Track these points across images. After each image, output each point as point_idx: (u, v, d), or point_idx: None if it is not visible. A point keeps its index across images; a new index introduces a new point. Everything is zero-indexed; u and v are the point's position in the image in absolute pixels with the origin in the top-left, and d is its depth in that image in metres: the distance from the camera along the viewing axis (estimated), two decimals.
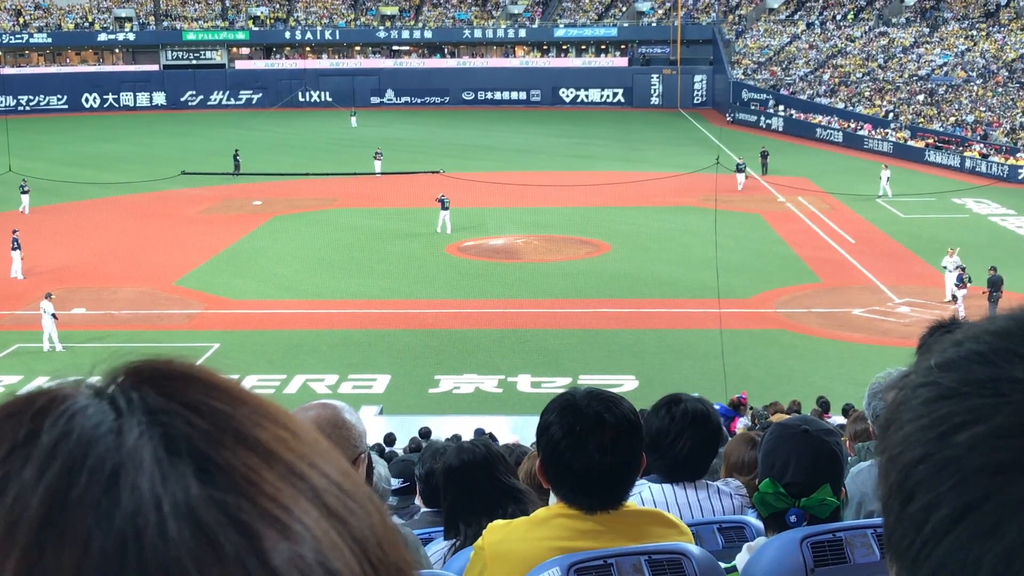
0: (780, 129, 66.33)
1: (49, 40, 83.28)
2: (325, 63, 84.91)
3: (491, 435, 14.56)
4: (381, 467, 4.46)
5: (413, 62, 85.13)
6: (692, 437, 4.17)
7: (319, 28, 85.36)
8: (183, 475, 0.56)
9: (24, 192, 41.08)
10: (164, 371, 0.63)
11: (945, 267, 28.07)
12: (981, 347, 0.70)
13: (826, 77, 71.45)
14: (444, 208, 36.73)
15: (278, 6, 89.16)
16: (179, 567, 0.53)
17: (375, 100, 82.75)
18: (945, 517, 0.64)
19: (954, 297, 26.91)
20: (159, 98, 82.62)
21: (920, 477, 0.67)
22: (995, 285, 26.35)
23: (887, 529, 0.71)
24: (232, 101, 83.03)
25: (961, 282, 26.67)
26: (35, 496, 0.54)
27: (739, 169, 45.50)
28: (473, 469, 4.33)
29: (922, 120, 59.64)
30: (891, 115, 61.67)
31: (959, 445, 0.65)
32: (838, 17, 79.54)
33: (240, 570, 0.53)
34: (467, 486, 4.31)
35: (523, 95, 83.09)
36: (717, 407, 11.45)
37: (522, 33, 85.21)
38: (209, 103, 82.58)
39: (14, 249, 31.08)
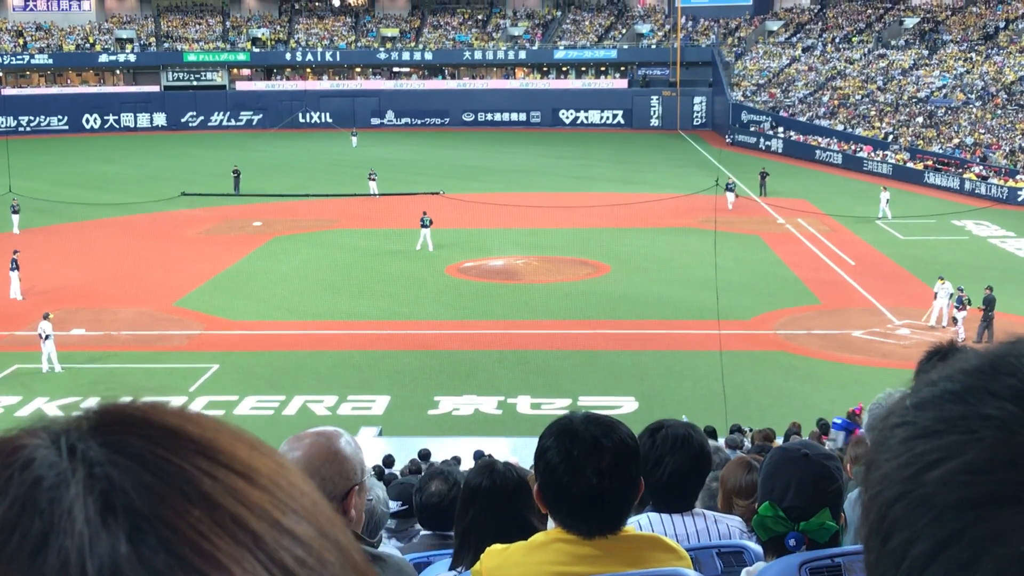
0: (779, 151, 66.49)
1: (50, 61, 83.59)
2: (325, 84, 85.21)
3: (507, 464, 14.40)
4: (379, 490, 4.39)
5: (413, 83, 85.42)
6: (672, 461, 4.13)
7: (320, 49, 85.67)
8: (115, 535, 0.54)
9: (14, 212, 41.06)
10: (122, 416, 0.61)
11: (937, 293, 28.02)
12: (955, 386, 0.71)
13: (825, 99, 71.67)
14: (424, 226, 36.91)
15: (279, 28, 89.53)
16: None
17: (375, 121, 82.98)
18: (922, 553, 0.65)
19: (954, 320, 26.91)
20: (160, 119, 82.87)
21: (897, 515, 0.68)
22: (990, 304, 26.43)
23: (868, 567, 0.71)
24: (232, 122, 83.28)
25: (961, 304, 26.68)
26: None
27: (728, 188, 45.80)
28: (500, 495, 4.09)
29: (921, 142, 59.77)
30: (890, 137, 61.82)
31: (933, 482, 0.66)
32: (837, 39, 79.85)
33: None
34: (489, 511, 4.06)
35: (523, 116, 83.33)
36: (837, 421, 11.27)
37: (522, 55, 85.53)
38: (210, 124, 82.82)
39: (13, 270, 31.10)
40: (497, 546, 3.06)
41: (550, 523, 3.04)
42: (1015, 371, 0.70)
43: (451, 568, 4.20)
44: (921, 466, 0.68)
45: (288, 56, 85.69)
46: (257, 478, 0.61)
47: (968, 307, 26.56)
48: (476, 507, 4.12)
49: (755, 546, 3.74)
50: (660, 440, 4.18)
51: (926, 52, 73.57)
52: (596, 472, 2.83)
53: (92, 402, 0.65)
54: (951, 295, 27.46)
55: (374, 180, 49.82)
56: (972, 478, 0.65)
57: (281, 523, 0.59)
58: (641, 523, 4.02)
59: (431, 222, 37.25)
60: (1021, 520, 0.62)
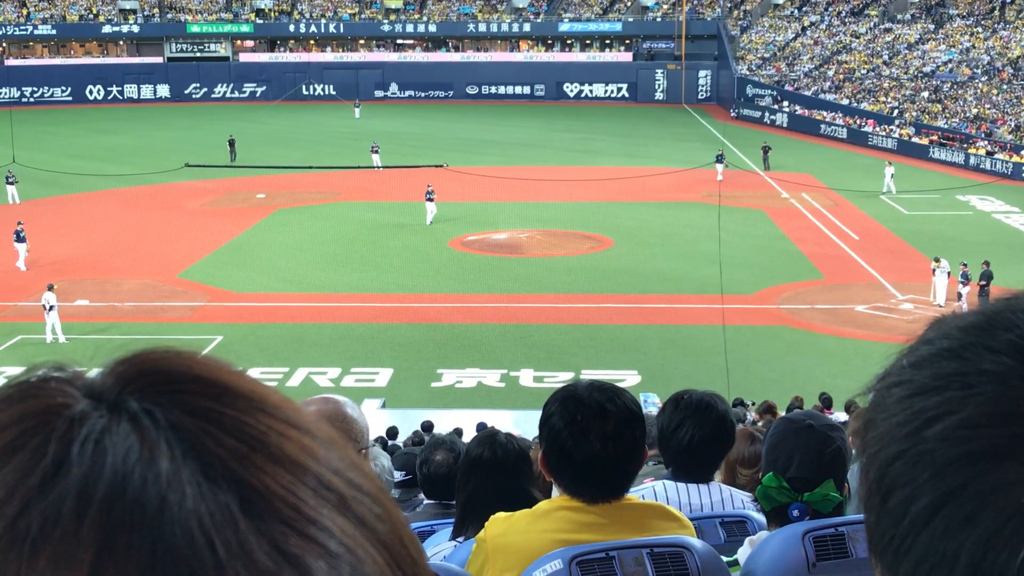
0: (784, 125, 66.27)
1: (53, 32, 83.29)
2: (329, 56, 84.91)
3: (508, 435, 14.43)
4: (384, 459, 4.39)
5: (417, 56, 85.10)
6: (693, 427, 4.12)
7: (323, 21, 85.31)
8: (227, 507, 0.53)
9: (9, 183, 41.00)
10: (176, 375, 0.59)
11: (934, 270, 27.95)
12: (951, 343, 0.71)
13: (831, 73, 71.36)
14: (430, 199, 36.92)
15: None
16: None
17: (379, 94, 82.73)
18: (923, 509, 0.66)
19: (958, 295, 26.87)
20: (163, 90, 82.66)
21: (897, 472, 0.69)
22: (987, 279, 26.48)
23: (869, 528, 0.72)
24: (236, 94, 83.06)
25: (966, 279, 26.66)
26: (82, 547, 0.51)
27: (719, 160, 45.91)
28: (502, 465, 4.10)
29: (927, 117, 59.55)
30: (896, 112, 61.59)
31: (932, 438, 0.67)
32: (843, 13, 79.41)
33: None
34: (490, 481, 4.08)
35: (527, 90, 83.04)
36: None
37: (526, 27, 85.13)
38: (213, 96, 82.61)
39: (19, 241, 31.12)
40: (501, 514, 3.08)
41: (554, 491, 3.05)
42: (1012, 326, 0.70)
43: (452, 538, 4.21)
44: (920, 423, 0.68)
45: (292, 28, 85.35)
46: (316, 432, 0.60)
47: (970, 282, 26.55)
48: (477, 478, 4.13)
49: (759, 516, 3.75)
50: (683, 406, 4.17)
51: (932, 26, 73.17)
52: (600, 437, 2.84)
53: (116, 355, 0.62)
54: (948, 272, 27.41)
55: (377, 153, 49.77)
56: (971, 432, 0.65)
57: (353, 480, 0.59)
58: (656, 490, 4.02)
59: (434, 196, 37.22)
60: (1020, 474, 0.62)
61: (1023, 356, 0.67)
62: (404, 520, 0.61)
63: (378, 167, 49.10)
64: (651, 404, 12.28)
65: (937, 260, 27.96)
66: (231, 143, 52.86)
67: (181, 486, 0.53)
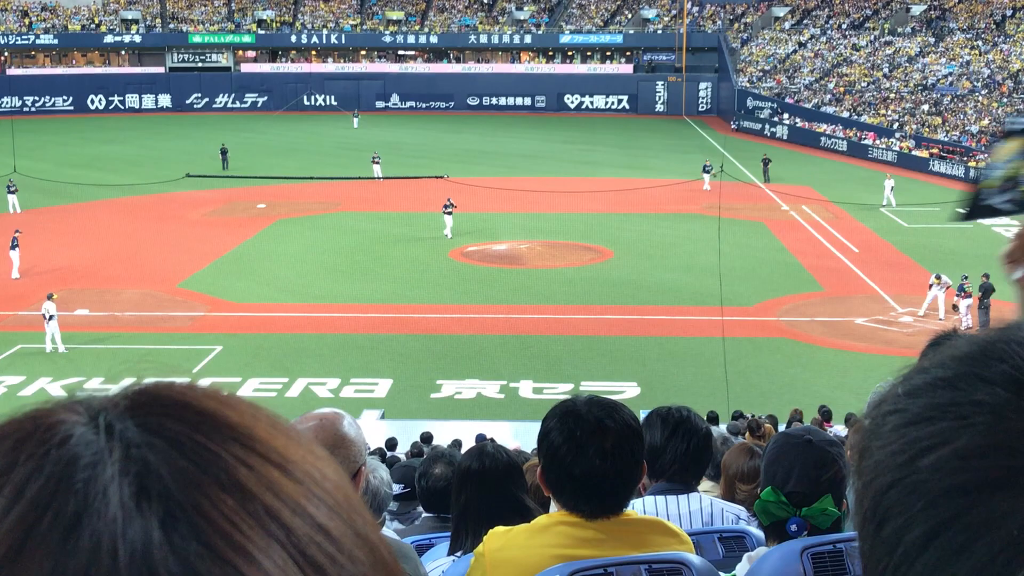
0: (784, 137, 66.34)
1: (55, 41, 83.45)
2: (330, 67, 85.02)
3: (497, 446, 14.43)
4: (383, 471, 4.40)
5: (418, 67, 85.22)
6: (680, 441, 4.18)
7: (325, 32, 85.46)
8: (148, 521, 0.54)
9: (10, 192, 41.01)
10: (160, 397, 0.61)
11: (931, 285, 27.91)
12: (946, 372, 0.71)
13: (831, 86, 71.47)
14: (448, 212, 36.88)
15: (284, 10, 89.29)
16: None
17: (380, 104, 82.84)
18: (916, 539, 0.66)
19: (955, 307, 26.86)
20: (164, 100, 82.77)
21: (891, 502, 0.69)
22: (987, 292, 26.44)
23: (863, 556, 0.72)
24: (237, 104, 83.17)
25: (963, 291, 26.63)
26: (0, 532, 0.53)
27: (705, 170, 46.46)
28: (491, 476, 4.15)
29: (927, 130, 59.62)
30: (896, 124, 61.66)
31: (925, 469, 0.67)
32: (844, 26, 79.57)
33: None
34: (481, 493, 4.13)
35: (528, 101, 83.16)
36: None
37: (527, 39, 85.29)
38: (214, 106, 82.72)
39: (12, 248, 31.16)
40: (499, 528, 3.07)
41: (552, 506, 3.05)
42: (1006, 357, 0.70)
43: (450, 553, 4.21)
44: (914, 453, 0.68)
45: (293, 38, 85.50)
46: (292, 469, 0.60)
47: (971, 295, 26.50)
48: (468, 490, 4.16)
49: (757, 531, 3.75)
50: (660, 425, 4.22)
51: (932, 40, 73.30)
52: (599, 453, 2.84)
53: (128, 381, 0.64)
54: (947, 286, 27.39)
55: (378, 163, 49.87)
56: (964, 463, 0.65)
57: (315, 518, 0.58)
58: (644, 505, 4.04)
59: (453, 208, 37.24)
60: (1012, 505, 0.62)
61: (1017, 387, 0.67)
62: (383, 563, 0.60)
63: (379, 178, 49.16)
64: None
65: (938, 278, 27.92)
66: (223, 152, 53.62)
67: (109, 494, 0.54)
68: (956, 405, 0.68)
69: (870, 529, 0.71)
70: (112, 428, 0.58)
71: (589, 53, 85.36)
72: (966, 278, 26.97)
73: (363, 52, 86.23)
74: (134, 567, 0.52)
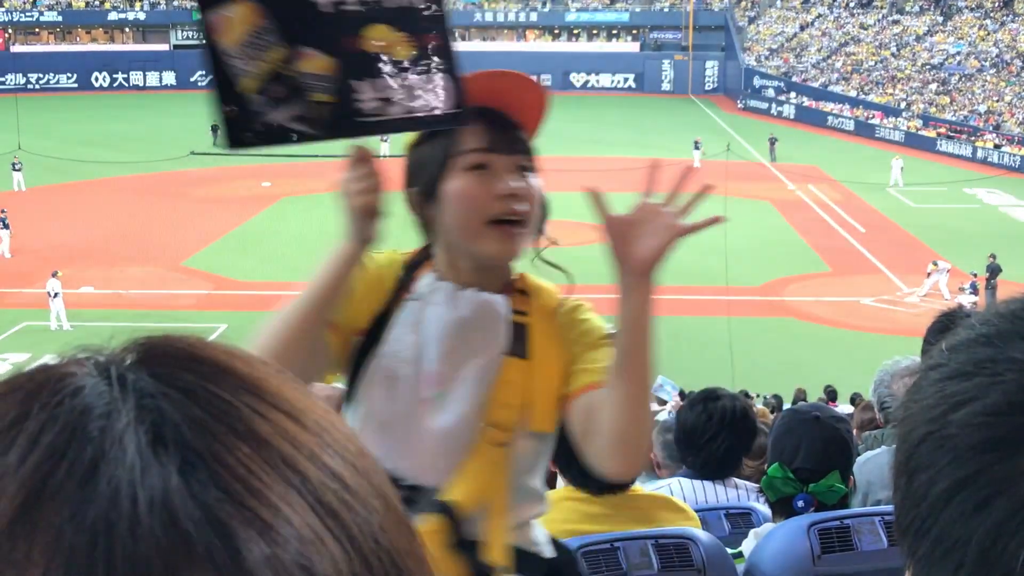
0: (791, 116, 66.13)
1: (59, 18, 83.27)
2: None
3: None
4: None
5: None
6: (728, 437, 4.11)
7: None
8: (165, 468, 0.53)
9: (15, 170, 41.02)
10: (169, 350, 0.61)
11: (929, 272, 27.80)
12: (988, 329, 0.72)
13: (838, 65, 71.18)
14: None
15: None
16: (147, 565, 0.50)
17: None
18: (941, 493, 0.67)
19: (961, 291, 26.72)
20: (169, 78, 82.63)
21: (922, 454, 0.69)
22: (993, 273, 26.30)
23: (896, 507, 0.73)
24: None
25: (974, 289, 26.05)
26: (13, 484, 0.53)
27: (696, 147, 46.72)
28: None
29: (934, 109, 59.40)
30: (903, 104, 61.43)
31: (955, 423, 0.67)
32: (851, 4, 79.19)
33: (211, 569, 0.51)
34: None
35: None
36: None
37: (533, 17, 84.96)
38: None
39: (4, 228, 31.18)
40: None
41: (559, 482, 3.05)
42: None
43: None
44: (947, 407, 0.69)
45: None
46: (305, 419, 0.60)
47: (976, 292, 26.07)
48: None
49: (763, 508, 3.74)
50: (718, 414, 4.10)
51: (941, 18, 72.93)
52: None
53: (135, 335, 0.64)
54: (946, 269, 27.24)
55: (386, 142, 49.83)
56: (991, 420, 0.65)
57: (328, 465, 0.58)
58: (672, 488, 4.00)
59: None
60: None
61: None
62: (397, 519, 0.60)
63: (384, 156, 49.11)
64: (666, 391, 12.17)
65: (935, 264, 27.83)
66: (214, 128, 53.20)
67: (126, 442, 0.54)
68: (993, 361, 0.68)
69: (902, 481, 0.72)
70: (124, 379, 0.58)
71: (595, 31, 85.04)
72: (975, 275, 26.63)
73: None
74: (154, 513, 0.52)
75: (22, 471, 0.53)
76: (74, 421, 0.55)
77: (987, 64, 64.42)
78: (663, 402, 14.31)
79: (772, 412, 12.42)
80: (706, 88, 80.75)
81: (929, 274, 27.67)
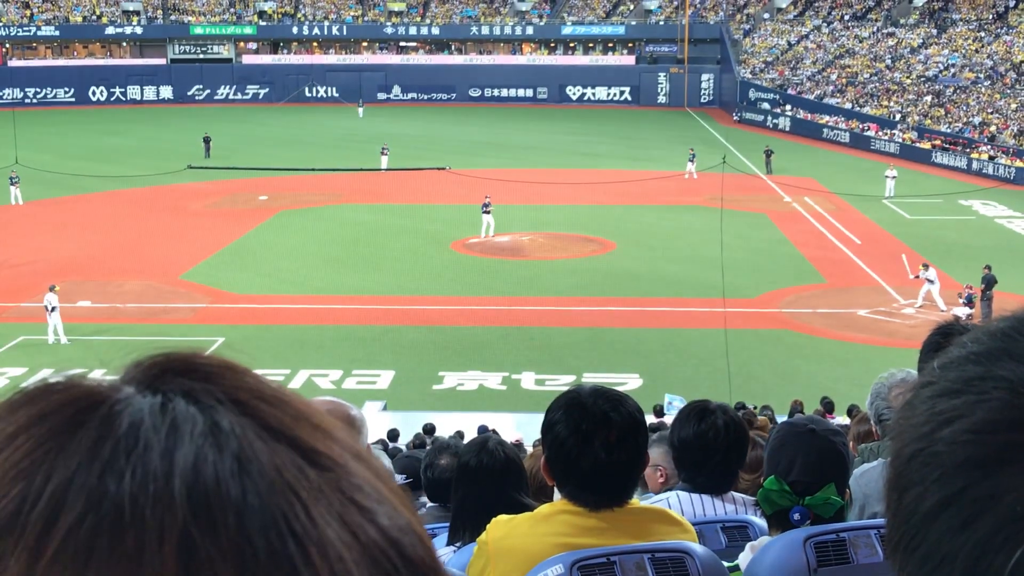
0: (787, 129, 66.25)
1: (56, 33, 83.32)
2: (332, 58, 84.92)
3: (498, 442, 14.40)
4: (386, 460, 4.40)
5: (420, 58, 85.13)
6: (722, 451, 4.11)
7: (326, 23, 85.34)
8: (293, 460, 0.57)
9: (13, 184, 40.97)
10: (201, 365, 0.62)
11: (920, 276, 27.79)
12: (978, 347, 0.72)
13: (833, 77, 71.34)
14: (487, 211, 35.72)
15: (285, 1, 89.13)
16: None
17: (382, 96, 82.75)
18: (929, 509, 0.67)
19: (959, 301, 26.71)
20: (166, 92, 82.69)
21: (912, 471, 0.70)
22: (989, 284, 26.29)
23: (887, 522, 0.74)
24: (239, 96, 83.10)
25: (970, 302, 25.96)
26: (173, 514, 0.54)
27: (691, 159, 47.26)
28: (488, 474, 4.13)
29: (929, 121, 59.52)
30: (898, 116, 61.56)
31: (943, 440, 0.68)
32: (846, 17, 79.42)
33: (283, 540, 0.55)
34: (478, 490, 4.13)
35: (530, 92, 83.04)
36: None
37: (529, 30, 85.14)
38: (216, 97, 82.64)
39: None
40: (503, 516, 3.08)
41: (556, 495, 3.06)
42: None
43: (449, 543, 4.23)
44: (936, 424, 0.69)
45: (295, 30, 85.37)
46: (324, 425, 0.62)
47: (972, 305, 25.95)
48: (465, 485, 4.16)
49: (760, 521, 3.75)
50: (711, 430, 4.09)
51: (935, 31, 73.15)
52: (604, 446, 2.84)
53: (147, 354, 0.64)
54: (934, 280, 27.23)
55: (386, 155, 49.95)
56: (977, 437, 0.66)
57: (349, 449, 0.61)
58: (671, 501, 4.00)
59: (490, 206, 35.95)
60: (1017, 482, 0.63)
61: None
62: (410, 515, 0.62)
63: (383, 169, 49.19)
64: (674, 407, 12.16)
65: (925, 266, 27.83)
66: (206, 141, 54.09)
67: (251, 443, 0.56)
68: (981, 379, 0.69)
69: (893, 497, 0.72)
70: (167, 396, 0.58)
71: (591, 44, 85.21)
72: (971, 287, 26.54)
73: (365, 43, 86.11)
74: (316, 501, 0.55)
75: (176, 484, 0.54)
76: (130, 433, 0.56)
77: (982, 76, 64.60)
78: (660, 416, 14.32)
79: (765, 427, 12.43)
80: (702, 101, 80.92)
81: (917, 277, 27.63)
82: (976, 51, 68.26)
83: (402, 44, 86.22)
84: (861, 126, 61.68)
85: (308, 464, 0.57)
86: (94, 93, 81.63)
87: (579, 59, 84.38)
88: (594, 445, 2.84)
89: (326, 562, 0.54)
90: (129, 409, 0.57)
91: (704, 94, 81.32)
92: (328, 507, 0.56)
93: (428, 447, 11.57)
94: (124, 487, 0.53)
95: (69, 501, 0.53)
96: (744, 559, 3.19)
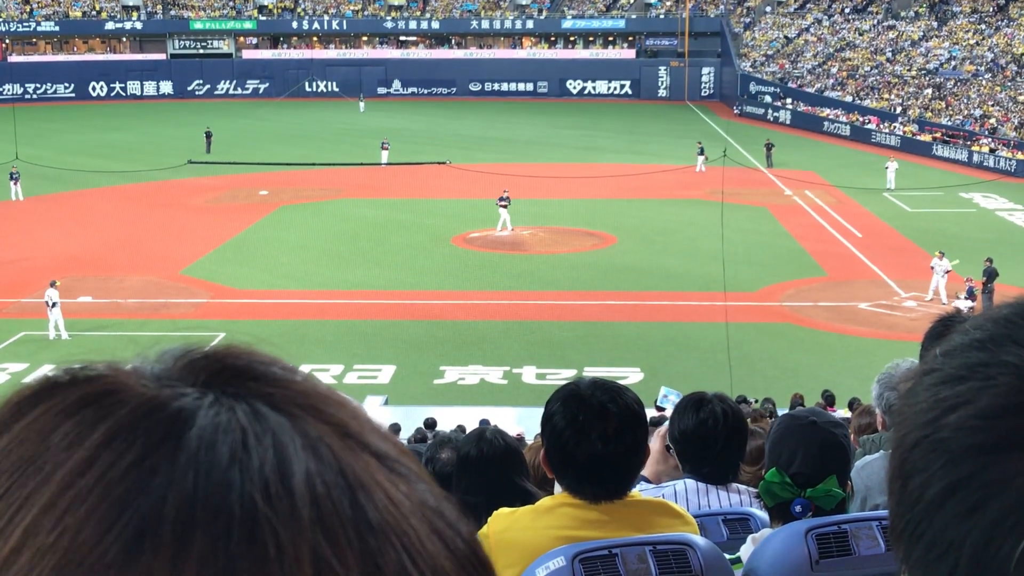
0: (788, 122, 66.21)
1: (57, 28, 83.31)
2: (332, 53, 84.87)
3: (520, 436, 14.33)
4: None
5: (420, 53, 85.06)
6: (726, 439, 4.10)
7: (326, 18, 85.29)
8: (337, 478, 0.56)
9: (13, 179, 40.94)
10: (242, 367, 0.61)
11: (933, 267, 27.76)
12: (982, 334, 0.72)
13: (834, 70, 71.27)
14: (503, 205, 35.50)
15: None
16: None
17: (382, 90, 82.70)
18: (935, 496, 0.67)
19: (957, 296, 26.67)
20: (166, 87, 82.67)
21: (916, 458, 0.70)
22: (990, 276, 26.25)
23: (890, 510, 0.74)
24: (239, 91, 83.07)
25: (971, 295, 25.90)
26: (263, 525, 0.53)
27: (701, 152, 47.29)
28: (489, 462, 4.16)
29: (930, 114, 59.47)
30: (899, 109, 61.50)
31: (948, 427, 0.68)
32: (847, 10, 79.31)
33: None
34: (480, 479, 4.14)
35: (530, 87, 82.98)
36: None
37: (529, 24, 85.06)
38: (216, 92, 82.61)
39: None
40: (504, 510, 3.08)
41: (556, 488, 3.05)
42: None
43: None
44: (940, 411, 0.69)
45: (295, 24, 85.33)
46: (360, 416, 0.61)
47: (974, 299, 25.88)
48: (468, 476, 4.16)
49: (761, 513, 3.74)
50: (711, 419, 4.08)
51: (936, 23, 73.05)
52: (602, 437, 2.83)
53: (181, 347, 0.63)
54: (947, 271, 27.19)
55: (387, 150, 49.95)
56: (983, 423, 0.66)
57: (386, 444, 0.61)
58: (677, 489, 4.00)
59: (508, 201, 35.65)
60: None
61: None
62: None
63: (383, 163, 49.19)
64: (669, 400, 12.16)
65: (940, 254, 27.78)
66: (208, 135, 54.23)
67: (341, 454, 0.56)
68: (985, 366, 0.69)
69: (897, 485, 0.72)
70: (248, 403, 0.58)
71: (591, 38, 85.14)
72: (971, 279, 26.44)
73: (364, 38, 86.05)
74: (330, 512, 0.54)
75: (302, 491, 0.54)
76: (280, 453, 0.55)
77: (982, 69, 64.52)
78: (661, 409, 14.31)
79: (769, 417, 12.44)
80: (702, 94, 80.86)
81: (933, 268, 27.52)
82: (977, 44, 68.17)
83: (402, 38, 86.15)
84: (862, 119, 61.63)
85: (390, 472, 0.57)
86: (94, 88, 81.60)
87: (579, 53, 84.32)
88: (591, 437, 2.83)
89: None
90: (218, 419, 0.56)
91: (705, 87, 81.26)
92: (422, 518, 0.56)
93: (429, 441, 11.58)
94: (247, 500, 0.52)
95: (198, 516, 0.52)
96: (746, 551, 3.19)
